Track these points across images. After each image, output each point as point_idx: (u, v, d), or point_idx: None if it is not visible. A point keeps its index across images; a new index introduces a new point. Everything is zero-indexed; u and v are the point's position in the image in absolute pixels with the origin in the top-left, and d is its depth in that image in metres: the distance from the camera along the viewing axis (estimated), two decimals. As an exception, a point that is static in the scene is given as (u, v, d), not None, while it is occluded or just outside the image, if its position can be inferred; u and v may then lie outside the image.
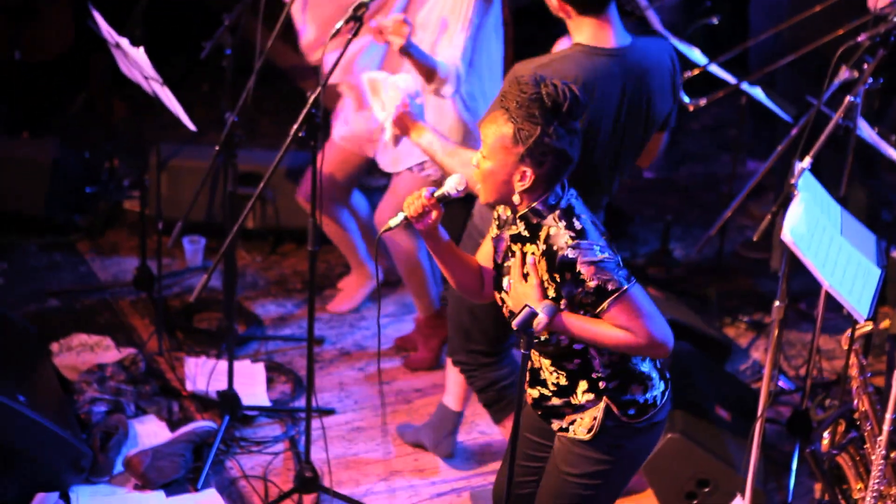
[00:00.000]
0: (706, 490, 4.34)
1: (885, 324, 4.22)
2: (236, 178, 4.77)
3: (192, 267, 5.82)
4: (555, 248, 3.17)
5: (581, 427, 3.34)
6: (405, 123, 3.99)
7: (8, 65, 6.73)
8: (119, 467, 4.43)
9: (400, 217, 3.32)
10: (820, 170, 5.25)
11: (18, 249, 5.86)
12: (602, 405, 3.31)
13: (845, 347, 4.31)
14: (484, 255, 3.47)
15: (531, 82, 3.16)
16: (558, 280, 3.18)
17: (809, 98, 5.09)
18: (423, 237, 3.38)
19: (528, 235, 3.25)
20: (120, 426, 4.51)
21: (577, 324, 3.19)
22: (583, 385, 3.32)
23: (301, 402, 4.88)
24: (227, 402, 4.67)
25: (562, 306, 3.20)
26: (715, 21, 5.56)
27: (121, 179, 6.41)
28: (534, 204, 3.21)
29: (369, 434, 4.80)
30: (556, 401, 3.38)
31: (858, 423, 4.27)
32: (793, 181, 3.93)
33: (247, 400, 4.78)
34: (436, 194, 3.28)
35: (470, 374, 4.40)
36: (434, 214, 3.29)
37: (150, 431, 4.61)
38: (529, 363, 3.40)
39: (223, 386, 4.68)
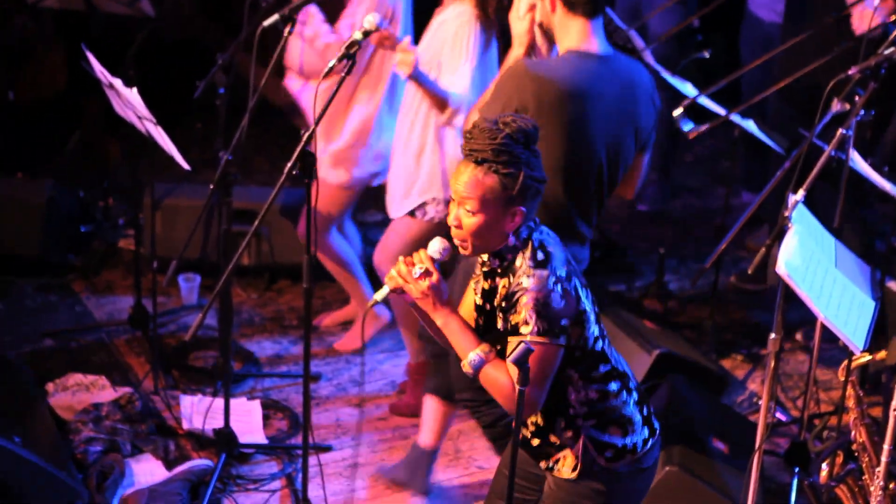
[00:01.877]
0: (705, 523, 4.32)
1: (881, 355, 4.22)
2: (231, 216, 4.78)
3: (188, 305, 5.81)
4: (516, 277, 3.16)
5: (566, 466, 3.32)
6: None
7: (2, 105, 6.75)
8: (116, 507, 4.42)
9: (384, 291, 3.26)
10: (814, 202, 5.28)
11: (14, 290, 5.86)
12: (580, 444, 3.28)
13: (842, 379, 4.31)
14: (468, 309, 3.42)
15: (492, 126, 3.13)
16: (504, 307, 3.18)
17: (802, 130, 5.11)
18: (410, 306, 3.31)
19: (500, 271, 3.23)
20: (116, 466, 4.50)
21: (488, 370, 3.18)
22: (560, 422, 3.29)
23: (298, 440, 4.87)
24: (224, 440, 4.65)
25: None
26: (706, 55, 5.58)
27: (115, 219, 6.42)
28: (513, 242, 3.20)
29: (367, 471, 4.78)
30: (535, 441, 3.35)
31: (856, 454, 4.27)
32: (787, 213, 3.95)
33: (243, 438, 4.76)
34: (421, 272, 3.21)
35: (476, 411, 4.39)
36: (428, 283, 3.22)
37: (147, 470, 4.60)
38: None
39: (219, 424, 4.67)
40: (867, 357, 4.30)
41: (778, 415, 5.13)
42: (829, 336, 5.44)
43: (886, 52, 4.19)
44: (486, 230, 3.17)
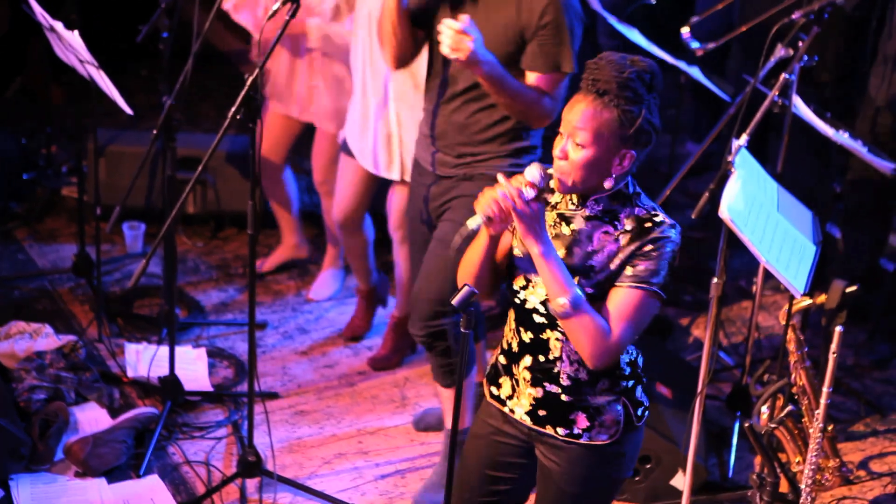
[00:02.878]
0: (648, 466, 4.37)
1: (820, 299, 4.27)
2: (175, 163, 4.74)
3: (132, 253, 5.77)
4: (650, 226, 3.06)
5: (601, 433, 3.17)
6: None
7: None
8: (60, 455, 4.39)
9: (478, 218, 3.07)
10: (767, 151, 5.32)
11: (-48, 236, 5.80)
12: (620, 406, 3.17)
13: (783, 322, 4.36)
14: (504, 247, 3.27)
15: (620, 60, 3.02)
16: (633, 252, 3.06)
17: (745, 76, 5.14)
18: (490, 239, 3.13)
19: (599, 216, 3.11)
20: (60, 414, 4.47)
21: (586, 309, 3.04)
22: (603, 383, 3.16)
23: (244, 387, 4.87)
24: (169, 388, 4.64)
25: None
26: (653, 1, 5.58)
27: (59, 166, 6.34)
28: (619, 186, 3.08)
29: (313, 418, 4.79)
30: (565, 398, 3.17)
31: (796, 397, 4.33)
32: (730, 158, 3.97)
33: (189, 385, 4.75)
34: (530, 193, 3.02)
35: (431, 346, 4.32)
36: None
37: (91, 418, 4.58)
38: (540, 358, 3.20)
39: (164, 372, 4.65)
40: (808, 301, 4.36)
41: (721, 358, 5.18)
42: (772, 284, 5.52)
43: (830, -4, 4.21)
44: (592, 166, 3.04)
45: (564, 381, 3.15)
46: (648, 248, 3.05)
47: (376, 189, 4.93)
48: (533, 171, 3.07)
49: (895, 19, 4.99)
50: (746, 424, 3.87)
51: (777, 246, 3.90)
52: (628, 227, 3.08)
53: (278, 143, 5.35)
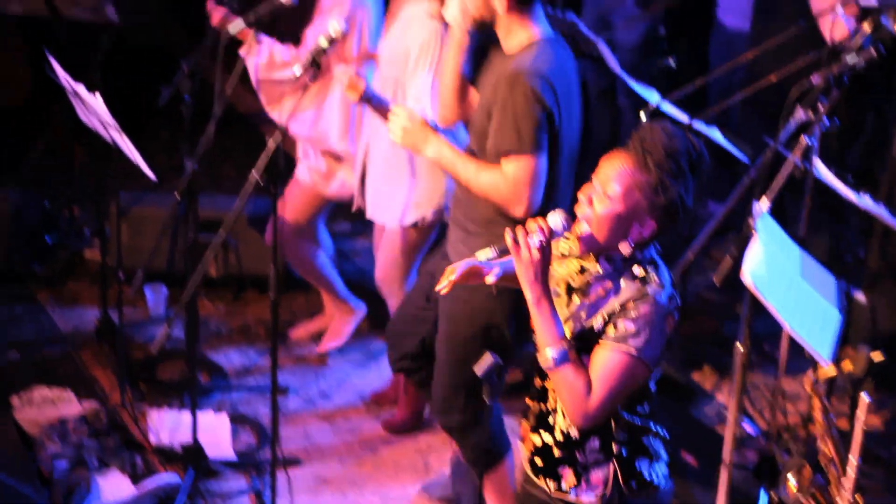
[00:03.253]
0: (674, 535, 4.32)
1: (846, 366, 4.23)
2: (197, 226, 4.75)
3: (155, 316, 5.77)
4: (639, 286, 3.04)
5: (588, 491, 3.15)
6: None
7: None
8: (82, 523, 4.38)
9: (489, 252, 3.12)
10: (784, 213, 5.30)
11: (-23, 300, 5.81)
12: (610, 470, 3.14)
13: (808, 390, 4.32)
14: None
15: (677, 133, 3.01)
16: (616, 311, 3.05)
17: (766, 138, 5.12)
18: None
19: (606, 276, 3.10)
20: (83, 481, 4.46)
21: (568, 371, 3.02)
22: (593, 442, 3.14)
23: (267, 454, 4.84)
24: (191, 455, 4.62)
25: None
26: (672, 64, 5.59)
27: (81, 228, 6.36)
28: (631, 253, 3.06)
29: (336, 486, 4.76)
30: (557, 452, 3.18)
31: (824, 467, 4.28)
32: (751, 222, 3.95)
33: (211, 452, 4.73)
34: (541, 243, 3.00)
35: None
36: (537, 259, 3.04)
37: (114, 486, 4.56)
38: (541, 405, 3.21)
39: (187, 438, 4.63)
40: (833, 368, 4.32)
41: (746, 426, 5.13)
42: (797, 347, 5.47)
43: (850, 61, 4.19)
44: (613, 223, 3.01)
45: (558, 435, 3.17)
46: (630, 306, 3.02)
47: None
48: (555, 218, 3.06)
49: None
50: (775, 496, 3.83)
51: (801, 312, 3.87)
52: (623, 285, 3.07)
53: (300, 211, 5.29)
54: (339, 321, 5.57)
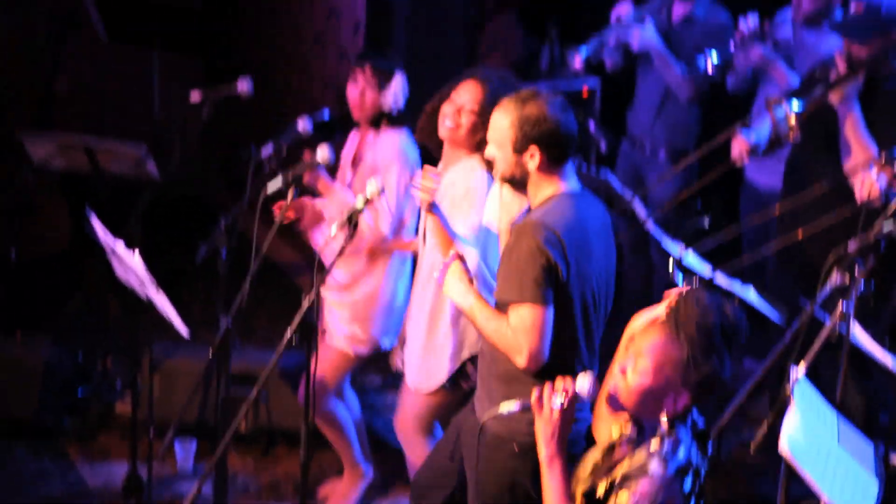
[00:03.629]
0: None
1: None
2: (229, 383, 4.75)
3: (183, 472, 5.72)
4: (644, 457, 3.02)
5: None
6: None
7: (3, 262, 6.76)
8: None
9: (512, 405, 3.15)
10: (818, 372, 5.25)
11: (5, 454, 5.76)
12: None
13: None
14: None
15: (713, 306, 2.99)
16: (617, 481, 3.02)
17: (802, 302, 5.10)
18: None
19: (629, 436, 3.11)
20: None
21: None
22: None
23: None
24: None
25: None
26: (706, 225, 5.61)
27: (113, 381, 6.35)
28: (662, 425, 3.03)
29: None
30: None
31: None
32: (788, 389, 3.91)
33: None
34: (562, 405, 3.03)
35: None
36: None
37: None
38: None
39: None
40: (873, 539, 4.22)
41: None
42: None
43: (885, 228, 4.21)
44: (644, 396, 3.00)
45: None
46: (632, 482, 2.99)
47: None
48: (583, 382, 3.06)
49: None
50: None
51: (840, 482, 3.80)
52: (635, 454, 3.04)
53: (329, 371, 5.25)
54: (348, 485, 5.50)
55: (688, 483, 3.04)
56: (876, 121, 5.07)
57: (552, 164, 3.92)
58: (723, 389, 3.02)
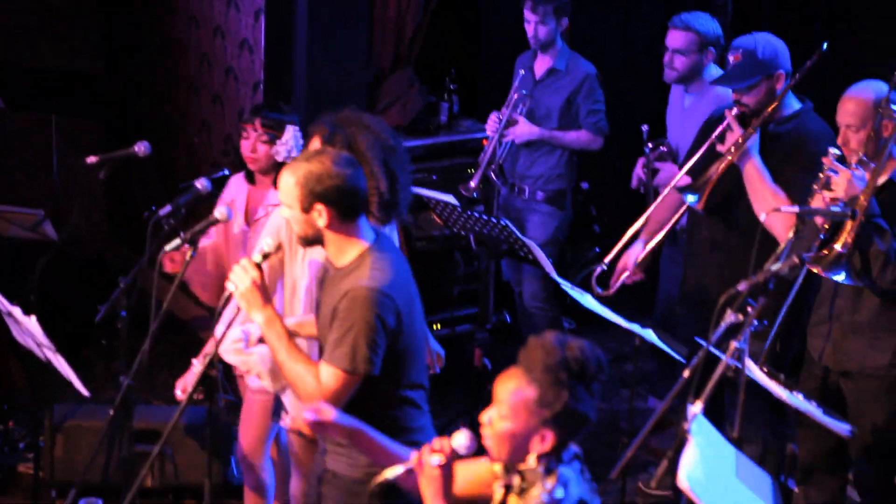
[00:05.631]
0: None
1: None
2: (132, 439, 4.71)
3: (90, 532, 5.65)
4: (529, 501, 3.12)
5: None
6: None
7: None
8: None
9: (398, 469, 3.22)
10: (722, 410, 5.37)
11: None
12: None
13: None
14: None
15: (555, 344, 3.13)
16: None
17: (698, 339, 5.21)
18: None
19: (513, 489, 3.20)
20: None
21: None
22: None
23: None
24: None
25: None
26: (605, 268, 5.72)
27: (15, 442, 6.26)
28: (536, 467, 3.16)
29: None
30: None
31: None
32: (686, 426, 3.99)
33: None
34: (440, 463, 3.15)
35: None
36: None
37: None
38: None
39: None
40: (773, 570, 4.31)
41: None
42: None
43: (773, 267, 4.33)
44: (511, 439, 3.14)
45: None
46: None
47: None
48: (460, 439, 3.20)
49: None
50: None
51: (738, 514, 3.89)
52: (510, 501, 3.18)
53: (256, 423, 5.20)
54: None
55: None
56: (776, 166, 5.21)
57: (344, 220, 3.94)
58: (585, 421, 3.15)
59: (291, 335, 3.93)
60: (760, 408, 5.45)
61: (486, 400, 5.76)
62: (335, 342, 3.86)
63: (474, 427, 3.30)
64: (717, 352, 4.70)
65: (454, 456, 3.17)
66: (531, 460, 3.15)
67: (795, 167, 5.15)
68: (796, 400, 4.71)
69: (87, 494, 5.66)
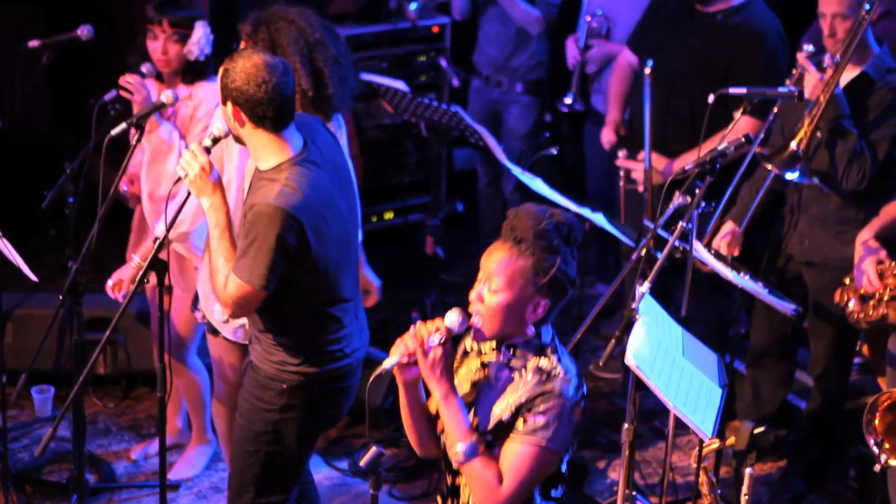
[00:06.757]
0: None
1: (730, 441, 4.32)
2: (82, 325, 4.70)
3: (42, 417, 5.67)
4: (545, 379, 3.15)
5: None
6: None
7: None
8: None
9: (394, 359, 3.19)
10: (671, 291, 5.42)
11: None
12: None
13: (695, 465, 4.40)
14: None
15: (540, 212, 3.16)
16: (523, 403, 3.15)
17: (646, 222, 5.25)
18: (406, 386, 3.24)
19: (509, 364, 3.22)
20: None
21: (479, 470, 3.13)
22: None
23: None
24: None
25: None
26: (554, 152, 5.72)
27: (-35, 332, 6.24)
28: (531, 336, 3.20)
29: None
30: None
31: (712, 540, 4.34)
32: (633, 305, 4.03)
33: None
34: (441, 341, 3.14)
35: None
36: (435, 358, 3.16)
37: None
38: (451, 479, 3.30)
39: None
40: (717, 443, 4.41)
41: (638, 503, 5.18)
42: (684, 422, 5.56)
43: (720, 147, 4.36)
44: (506, 312, 3.15)
45: None
46: (539, 401, 3.13)
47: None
48: (452, 316, 3.18)
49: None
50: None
51: (684, 390, 3.95)
52: (529, 377, 3.17)
53: (175, 319, 5.15)
54: (196, 450, 5.41)
55: (585, 387, 3.25)
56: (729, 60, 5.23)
57: (259, 125, 3.81)
58: (573, 284, 3.19)
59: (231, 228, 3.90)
60: (709, 293, 5.51)
61: (437, 288, 5.92)
62: (240, 252, 3.82)
63: (424, 317, 3.33)
64: (664, 233, 4.75)
65: (450, 334, 3.17)
66: (527, 331, 3.17)
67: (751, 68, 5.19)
68: (742, 280, 4.77)
69: (39, 382, 5.70)
